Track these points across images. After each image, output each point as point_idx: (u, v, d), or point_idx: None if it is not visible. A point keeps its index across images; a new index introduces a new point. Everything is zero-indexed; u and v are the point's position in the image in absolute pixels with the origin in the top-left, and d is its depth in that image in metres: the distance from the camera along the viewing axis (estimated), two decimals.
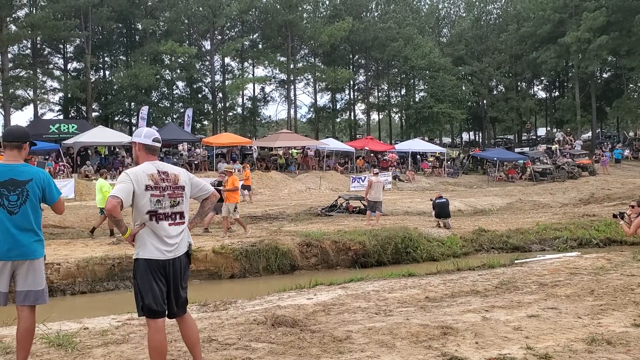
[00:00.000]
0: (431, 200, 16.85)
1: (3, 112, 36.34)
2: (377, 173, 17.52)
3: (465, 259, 12.18)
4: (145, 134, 4.01)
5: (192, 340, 4.03)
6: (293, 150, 35.69)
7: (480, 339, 4.96)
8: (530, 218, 17.90)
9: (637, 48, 42.29)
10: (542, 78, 55.54)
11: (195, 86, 45.65)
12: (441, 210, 15.66)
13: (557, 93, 56.22)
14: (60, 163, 26.53)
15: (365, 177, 25.21)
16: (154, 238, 3.82)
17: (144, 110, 34.96)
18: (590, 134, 50.90)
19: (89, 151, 30.12)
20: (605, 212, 17.84)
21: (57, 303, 9.23)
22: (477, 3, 54.72)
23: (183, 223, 3.98)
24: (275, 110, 59.06)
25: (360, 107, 53.98)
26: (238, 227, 14.11)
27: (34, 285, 3.98)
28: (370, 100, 51.61)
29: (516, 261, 9.96)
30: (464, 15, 56.38)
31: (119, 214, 3.72)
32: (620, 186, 27.27)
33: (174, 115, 43.18)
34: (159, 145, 4.06)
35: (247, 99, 48.92)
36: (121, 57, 45.81)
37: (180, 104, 44.30)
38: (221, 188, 13.58)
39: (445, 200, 16.06)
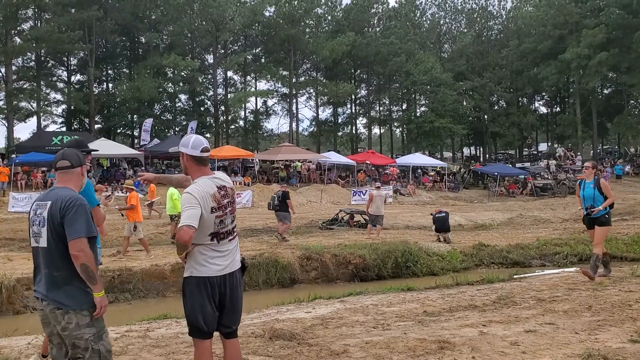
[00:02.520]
0: (431, 214, 16.86)
1: (7, 124, 36.61)
2: (379, 187, 17.55)
3: (465, 273, 12.14)
4: (193, 144, 3.64)
5: None
6: (297, 163, 35.78)
7: (477, 353, 4.97)
8: (531, 233, 17.88)
9: (637, 65, 42.48)
10: (543, 93, 55.81)
11: (197, 99, 45.96)
12: (441, 225, 15.66)
13: (558, 109, 56.41)
14: None
15: (366, 190, 25.27)
16: (213, 254, 3.57)
17: (148, 122, 35.11)
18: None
19: (91, 163, 30.28)
20: None
21: None
22: (478, 19, 55.17)
23: (237, 234, 3.82)
24: (277, 124, 59.84)
25: (361, 121, 54.38)
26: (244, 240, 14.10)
27: None
28: (371, 114, 51.89)
29: (515, 276, 9.95)
30: (465, 31, 56.76)
31: (190, 242, 3.44)
32: (621, 202, 27.18)
33: (177, 128, 43.41)
34: (207, 155, 3.71)
35: (249, 112, 49.30)
36: (124, 70, 46.17)
37: (183, 117, 44.61)
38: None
39: (445, 214, 16.03)
